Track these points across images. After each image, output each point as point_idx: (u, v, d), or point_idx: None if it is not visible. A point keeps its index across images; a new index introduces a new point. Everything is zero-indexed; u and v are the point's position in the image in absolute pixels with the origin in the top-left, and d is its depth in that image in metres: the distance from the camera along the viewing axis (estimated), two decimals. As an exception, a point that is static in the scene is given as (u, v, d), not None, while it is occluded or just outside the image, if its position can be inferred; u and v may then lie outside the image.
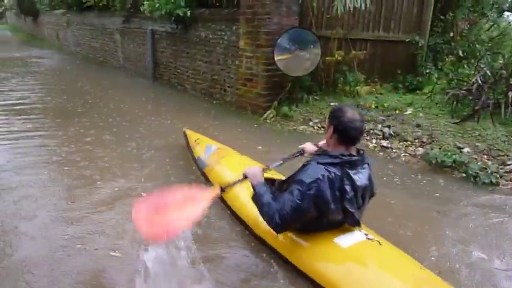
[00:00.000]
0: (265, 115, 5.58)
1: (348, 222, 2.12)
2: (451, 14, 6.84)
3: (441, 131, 4.68)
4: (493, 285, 2.25)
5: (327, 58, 5.68)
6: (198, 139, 3.74)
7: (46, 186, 3.36)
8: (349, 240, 2.03)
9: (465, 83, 5.30)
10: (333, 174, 2.01)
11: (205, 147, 3.52)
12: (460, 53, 6.52)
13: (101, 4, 10.51)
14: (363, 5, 5.24)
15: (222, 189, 2.32)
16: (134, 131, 4.99)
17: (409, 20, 6.67)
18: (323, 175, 2.00)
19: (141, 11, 7.85)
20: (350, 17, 5.88)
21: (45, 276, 2.23)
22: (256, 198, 2.20)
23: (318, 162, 2.07)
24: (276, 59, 5.29)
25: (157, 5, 7.02)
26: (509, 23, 7.54)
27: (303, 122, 5.36)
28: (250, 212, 2.46)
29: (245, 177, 2.32)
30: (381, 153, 4.45)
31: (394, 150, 4.47)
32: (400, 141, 4.63)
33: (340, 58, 5.64)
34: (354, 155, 2.10)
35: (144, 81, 8.91)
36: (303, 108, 5.62)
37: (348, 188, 2.03)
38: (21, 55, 13.34)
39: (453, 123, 4.82)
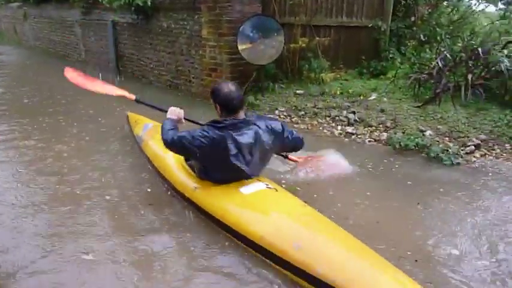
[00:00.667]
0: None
1: (242, 176, 2.57)
2: (412, -2, 6.91)
3: (404, 115, 4.74)
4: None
5: (291, 45, 5.64)
6: (137, 119, 4.08)
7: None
8: (251, 189, 2.49)
9: (427, 67, 5.38)
10: (220, 135, 2.47)
11: (143, 125, 3.88)
12: (422, 37, 6.59)
13: (58, -5, 10.08)
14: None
15: (137, 100, 3.41)
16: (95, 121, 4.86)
17: (372, 4, 6.69)
18: (209, 135, 2.48)
19: (100, 2, 7.57)
20: (313, 3, 5.85)
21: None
22: (162, 126, 2.75)
23: (209, 125, 2.56)
24: (239, 47, 5.20)
25: (116, -5, 6.78)
26: (469, 6, 7.67)
27: (270, 111, 5.31)
28: (167, 167, 3.05)
29: (166, 111, 2.95)
30: (346, 140, 4.46)
31: (359, 136, 4.49)
32: (365, 127, 4.66)
33: (304, 45, 5.61)
34: (236, 120, 2.52)
35: (107, 75, 8.60)
36: (269, 97, 5.57)
37: (231, 146, 2.48)
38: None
39: (415, 107, 4.88)
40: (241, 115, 2.58)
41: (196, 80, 6.32)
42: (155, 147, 3.34)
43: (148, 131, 3.71)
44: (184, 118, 2.96)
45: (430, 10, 7.08)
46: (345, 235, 2.13)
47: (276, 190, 2.54)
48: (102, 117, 5.14)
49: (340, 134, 4.61)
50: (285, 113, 5.19)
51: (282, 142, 2.76)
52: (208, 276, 2.13)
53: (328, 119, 4.95)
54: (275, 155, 3.07)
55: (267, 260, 2.12)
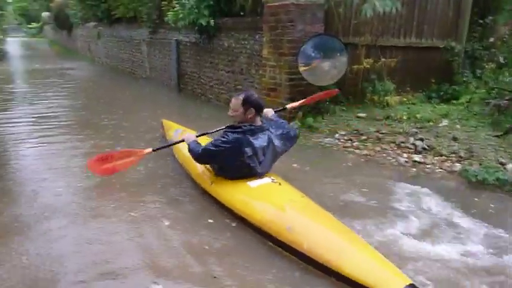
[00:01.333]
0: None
1: (254, 173, 2.99)
2: (490, 18, 6.38)
3: (481, 144, 4.26)
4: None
5: (355, 66, 5.37)
6: (170, 126, 4.60)
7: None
8: (258, 183, 2.94)
9: (507, 92, 4.85)
10: (238, 138, 2.90)
11: (174, 130, 4.42)
12: (501, 59, 6.03)
13: (128, 16, 10.62)
14: (394, 9, 4.93)
15: (154, 150, 3.57)
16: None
17: (444, 24, 6.26)
18: (230, 137, 2.92)
19: (166, 22, 7.82)
20: (379, 23, 5.56)
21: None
22: (189, 148, 3.18)
23: (227, 131, 2.99)
24: (299, 68, 5.04)
25: (181, 15, 6.95)
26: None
27: (329, 134, 5.05)
28: (194, 169, 3.49)
29: (182, 140, 3.41)
30: (413, 169, 4.07)
31: (428, 166, 4.08)
32: (434, 156, 4.24)
33: (368, 66, 5.32)
34: (253, 126, 2.97)
35: (169, 92, 8.86)
36: (329, 120, 5.32)
37: (247, 149, 2.91)
38: (57, 67, 13.77)
39: (495, 136, 4.39)
40: (258, 122, 3.05)
41: (255, 99, 6.22)
42: (183, 149, 3.61)
43: (179, 135, 4.06)
44: (197, 136, 3.42)
45: (510, 31, 6.49)
46: (330, 219, 2.54)
47: (280, 184, 2.96)
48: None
49: (406, 162, 4.22)
50: (345, 137, 4.90)
51: (289, 140, 3.23)
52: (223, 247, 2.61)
53: (393, 145, 4.59)
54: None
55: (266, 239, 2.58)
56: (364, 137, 4.82)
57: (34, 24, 34.57)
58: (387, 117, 5.12)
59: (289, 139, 3.20)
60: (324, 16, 5.36)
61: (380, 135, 4.79)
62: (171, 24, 7.45)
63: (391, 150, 4.51)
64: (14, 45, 23.68)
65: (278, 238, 2.47)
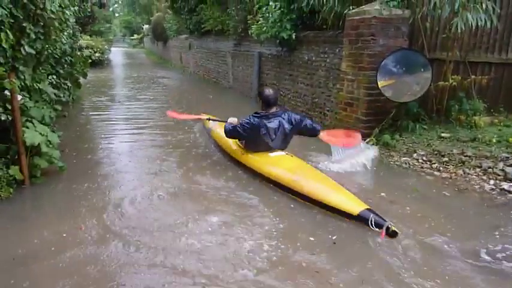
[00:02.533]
0: (364, 142, 5.15)
1: (269, 147, 4.17)
2: None
3: None
4: None
5: (440, 83, 5.05)
6: (208, 118, 5.30)
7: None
8: (275, 154, 4.14)
9: None
10: (257, 122, 4.10)
11: (210, 122, 5.35)
12: None
13: (216, 29, 11.19)
14: (488, 23, 4.56)
15: (208, 119, 5.15)
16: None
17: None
18: (251, 122, 4.13)
19: (250, 35, 8.10)
20: (471, 37, 5.18)
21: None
22: (225, 126, 4.42)
23: (251, 116, 4.20)
24: (378, 83, 4.88)
25: (264, 28, 7.15)
26: None
27: (406, 154, 4.79)
28: (227, 144, 4.74)
29: (226, 121, 4.53)
30: (500, 197, 3.71)
31: (518, 195, 3.69)
32: (527, 185, 3.82)
33: (455, 83, 4.96)
34: (266, 113, 4.16)
35: (249, 102, 9.11)
36: (408, 138, 5.05)
37: (262, 129, 4.08)
38: (152, 75, 14.95)
39: None
40: (273, 109, 4.21)
41: (331, 113, 6.16)
42: (220, 132, 4.88)
43: (214, 125, 5.29)
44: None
45: None
46: (322, 175, 3.78)
47: (292, 156, 4.14)
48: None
49: (492, 190, 3.85)
50: (424, 158, 4.61)
51: (300, 128, 4.29)
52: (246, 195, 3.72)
53: (478, 170, 4.21)
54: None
55: (278, 189, 3.73)
56: (445, 159, 4.50)
57: (135, 36, 37.92)
58: (474, 139, 4.72)
59: (303, 126, 4.28)
60: (409, 30, 5.15)
61: (464, 158, 4.43)
62: (255, 37, 7.69)
63: (476, 176, 4.15)
64: (117, 54, 26.16)
65: (288, 186, 3.63)
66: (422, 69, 4.84)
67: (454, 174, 4.24)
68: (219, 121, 5.01)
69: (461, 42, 5.10)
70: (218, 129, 5.07)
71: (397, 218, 3.17)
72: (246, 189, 3.83)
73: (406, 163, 4.58)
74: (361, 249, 2.82)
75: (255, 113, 4.19)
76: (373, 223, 2.93)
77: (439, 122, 5.22)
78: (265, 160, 4.06)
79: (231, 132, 4.32)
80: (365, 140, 5.16)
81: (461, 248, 2.80)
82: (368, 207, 3.06)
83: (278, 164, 3.96)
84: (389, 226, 2.87)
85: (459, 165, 4.35)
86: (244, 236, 2.92)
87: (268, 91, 4.26)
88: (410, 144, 4.92)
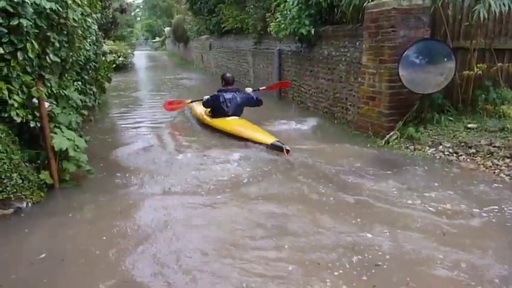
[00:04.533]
0: (388, 136, 5.08)
1: (226, 112, 6.08)
2: None
3: None
4: None
5: (465, 72, 4.90)
6: (191, 101, 7.20)
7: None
8: (230, 118, 6.01)
9: None
10: (218, 94, 6.18)
11: (192, 103, 7.18)
12: None
13: (236, 28, 11.23)
14: (513, 8, 4.40)
15: (191, 101, 7.12)
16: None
17: None
18: (214, 94, 6.24)
19: (269, 33, 8.09)
20: (496, 24, 5.01)
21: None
22: (203, 101, 6.47)
23: (216, 92, 6.31)
24: (400, 74, 4.80)
25: (282, 25, 7.12)
26: None
27: (432, 145, 4.69)
28: (200, 115, 6.71)
29: (201, 99, 6.53)
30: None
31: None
32: (560, 175, 3.67)
33: (481, 72, 4.81)
34: (225, 88, 6.30)
35: (270, 99, 9.10)
36: (433, 130, 4.93)
37: (221, 98, 6.10)
38: (174, 76, 15.19)
39: None
40: (230, 87, 6.34)
41: (353, 108, 6.09)
42: (196, 109, 6.98)
43: (194, 105, 7.14)
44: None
45: None
46: (255, 126, 5.67)
47: (241, 119, 6.06)
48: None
49: (521, 180, 3.73)
50: (450, 150, 4.50)
51: (248, 100, 6.34)
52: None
53: (508, 160, 4.09)
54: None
55: (232, 138, 5.49)
56: (472, 150, 4.38)
57: (157, 39, 38.50)
58: (502, 129, 4.57)
59: (249, 100, 6.36)
60: (430, 20, 5.03)
61: (492, 148, 4.30)
62: (274, 35, 7.68)
63: (505, 167, 4.02)
64: (140, 58, 26.63)
65: (236, 134, 5.49)
66: (445, 59, 4.73)
67: (482, 165, 4.13)
68: (197, 100, 6.91)
69: (486, 29, 4.94)
70: (196, 108, 7.02)
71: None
72: (211, 138, 5.82)
73: (432, 155, 4.49)
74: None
75: (219, 89, 6.34)
76: (277, 146, 4.80)
77: (465, 113, 5.08)
78: (223, 121, 5.98)
79: (204, 104, 6.44)
80: (388, 133, 5.09)
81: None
82: (277, 139, 4.98)
83: (231, 123, 5.87)
84: (285, 147, 4.72)
85: (487, 156, 4.23)
86: (215, 157, 4.77)
87: (228, 75, 6.67)
88: (436, 137, 4.82)
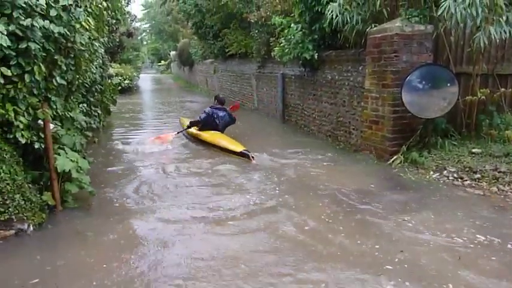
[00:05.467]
0: (391, 160, 5.06)
1: (217, 129, 7.00)
2: None
3: None
4: None
5: (468, 97, 4.92)
6: (184, 120, 8.24)
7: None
8: (215, 132, 6.93)
9: None
10: (212, 110, 7.13)
11: (187, 121, 7.72)
12: None
13: (240, 52, 11.39)
14: (514, 35, 4.45)
15: (178, 132, 7.60)
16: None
17: None
18: (208, 111, 7.14)
19: (272, 57, 8.20)
20: (498, 49, 5.05)
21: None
22: (190, 122, 7.43)
23: (208, 108, 7.29)
24: (403, 99, 4.82)
25: (286, 50, 7.22)
26: None
27: (436, 170, 4.66)
28: (192, 132, 7.35)
29: (188, 126, 7.41)
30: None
31: (557, 212, 3.51)
32: None
33: (484, 97, 4.82)
34: (218, 107, 7.26)
35: (274, 123, 9.16)
36: (437, 155, 4.91)
37: (215, 115, 7.06)
38: (179, 99, 15.33)
39: None
40: (222, 106, 7.29)
41: (356, 131, 6.09)
42: (189, 130, 7.46)
43: (185, 123, 7.78)
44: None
45: None
46: (230, 139, 6.50)
47: (221, 133, 6.93)
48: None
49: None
50: (455, 175, 4.47)
51: (231, 120, 7.22)
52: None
53: (513, 186, 4.05)
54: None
55: (215, 148, 6.39)
56: (477, 176, 4.35)
57: (163, 62, 39.09)
58: (507, 154, 4.54)
59: (232, 119, 7.29)
60: (433, 45, 5.09)
61: (498, 174, 4.27)
62: (277, 59, 7.78)
63: (511, 192, 3.98)
64: (145, 80, 26.98)
65: (217, 145, 6.34)
66: (448, 84, 4.76)
67: (487, 191, 4.08)
68: (185, 129, 7.56)
69: (488, 55, 4.99)
70: (190, 129, 7.51)
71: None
72: (197, 147, 6.88)
73: (437, 180, 4.46)
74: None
75: (211, 106, 7.33)
76: (245, 154, 5.68)
77: (469, 138, 5.08)
78: (209, 133, 6.85)
79: (192, 123, 7.27)
80: (392, 157, 5.08)
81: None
82: (245, 148, 5.86)
83: (214, 136, 6.71)
84: (251, 155, 5.63)
85: (493, 181, 4.19)
86: (201, 161, 5.75)
87: (221, 96, 8.08)
88: (440, 161, 4.79)
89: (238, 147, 5.91)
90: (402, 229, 3.34)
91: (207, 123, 6.96)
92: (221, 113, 7.08)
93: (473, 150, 4.80)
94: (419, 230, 3.31)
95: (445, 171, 4.58)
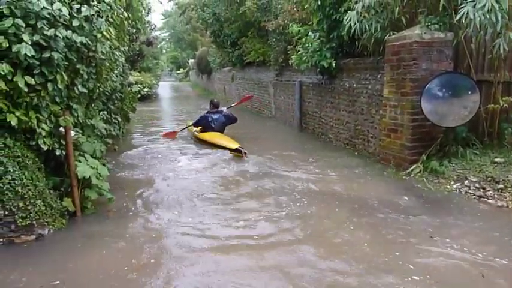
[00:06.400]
0: (410, 169, 4.97)
1: (213, 130, 7.89)
2: None
3: None
4: None
5: (490, 106, 4.81)
6: (190, 125, 8.80)
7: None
8: (213, 132, 7.81)
9: None
10: (207, 115, 8.16)
11: (192, 128, 8.55)
12: None
13: (258, 60, 11.45)
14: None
15: (182, 130, 8.86)
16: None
17: None
18: (204, 115, 8.26)
19: (290, 65, 8.21)
20: (521, 57, 4.93)
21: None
22: (193, 123, 8.41)
23: (205, 113, 8.42)
24: (423, 108, 4.75)
25: (304, 58, 7.21)
26: None
27: (457, 180, 4.56)
28: (194, 133, 8.32)
29: (191, 125, 8.55)
30: None
31: None
32: None
33: (506, 105, 4.71)
34: (213, 111, 8.29)
35: (291, 131, 9.15)
36: (458, 164, 4.80)
37: (209, 118, 8.02)
38: (197, 107, 15.37)
39: None
40: (216, 109, 8.30)
41: (375, 140, 6.02)
42: (192, 129, 8.39)
43: (191, 127, 8.59)
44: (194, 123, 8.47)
45: None
46: (228, 137, 7.44)
47: (224, 135, 7.75)
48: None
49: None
50: (476, 185, 4.36)
51: (229, 120, 8.18)
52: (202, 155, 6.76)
53: (538, 197, 3.93)
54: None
55: (216, 147, 7.03)
56: (500, 186, 4.23)
57: (182, 70, 39.58)
58: (530, 164, 4.42)
59: (229, 119, 8.16)
60: (453, 53, 5.01)
61: (521, 184, 4.15)
62: (295, 67, 7.78)
63: (536, 203, 3.86)
64: (165, 88, 27.32)
65: (217, 144, 7.09)
66: (469, 92, 4.67)
67: (511, 202, 3.97)
68: (189, 126, 8.68)
69: (511, 62, 4.87)
70: (192, 128, 8.46)
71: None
72: (200, 146, 7.60)
73: (458, 189, 4.36)
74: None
75: (207, 111, 8.35)
76: (239, 150, 6.38)
77: (491, 147, 4.95)
78: (208, 134, 7.71)
79: (196, 122, 8.22)
80: (411, 166, 4.99)
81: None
82: (240, 145, 6.58)
83: (213, 135, 7.55)
84: (244, 151, 6.31)
85: (516, 192, 4.07)
86: (203, 159, 6.50)
87: (215, 100, 8.86)
88: (461, 171, 4.68)
89: (234, 145, 6.67)
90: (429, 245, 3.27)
91: (205, 126, 7.94)
92: (215, 116, 8.00)
93: (496, 159, 4.68)
94: (445, 245, 3.24)
95: (467, 181, 4.47)
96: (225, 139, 7.26)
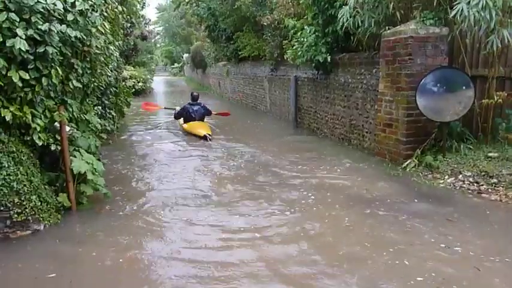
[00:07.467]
0: (405, 164, 5.01)
1: (194, 120, 8.59)
2: None
3: None
4: None
5: (484, 101, 4.84)
6: (164, 107, 11.04)
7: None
8: (196, 122, 8.51)
9: None
10: (187, 106, 8.82)
11: (180, 121, 9.15)
12: None
13: (253, 55, 11.42)
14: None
15: (164, 107, 11.14)
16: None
17: None
18: (185, 106, 8.94)
19: (286, 60, 8.20)
20: (516, 52, 4.96)
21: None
22: (174, 113, 9.29)
23: (186, 104, 9.05)
24: (418, 103, 4.77)
25: (299, 53, 7.20)
26: None
27: (451, 174, 4.60)
28: (180, 124, 9.10)
29: (174, 108, 9.58)
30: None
31: None
32: None
33: (501, 100, 4.74)
34: (193, 103, 8.89)
35: (286, 125, 9.15)
36: (452, 159, 4.84)
37: (190, 110, 8.70)
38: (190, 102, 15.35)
39: None
40: (196, 102, 8.93)
41: (369, 135, 6.05)
42: (179, 121, 9.02)
43: (179, 121, 9.08)
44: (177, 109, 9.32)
45: None
46: (206, 126, 8.49)
47: (205, 123, 8.69)
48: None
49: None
50: (470, 179, 4.40)
51: (206, 112, 8.93)
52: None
53: (531, 191, 3.97)
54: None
55: (197, 137, 7.83)
56: (494, 180, 4.27)
57: (176, 65, 39.39)
58: (524, 159, 4.46)
59: (206, 110, 8.90)
60: (448, 48, 5.04)
61: (515, 178, 4.19)
62: (290, 62, 7.77)
63: (529, 197, 3.90)
64: (159, 83, 27.17)
65: (198, 135, 7.84)
66: (464, 87, 4.70)
67: (504, 196, 4.01)
68: (170, 108, 10.27)
69: (505, 57, 4.90)
70: (179, 120, 9.04)
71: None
72: (183, 135, 8.35)
73: (452, 184, 4.40)
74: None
75: (188, 103, 8.89)
76: (205, 136, 7.53)
77: (485, 142, 4.99)
78: (191, 125, 8.35)
79: (176, 115, 8.97)
80: (406, 161, 5.03)
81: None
82: (209, 132, 7.76)
83: (194, 125, 8.26)
84: (209, 137, 7.50)
85: (510, 186, 4.11)
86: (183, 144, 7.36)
87: (195, 93, 9.21)
88: (455, 165, 4.72)
89: (205, 132, 7.72)
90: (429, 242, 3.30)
91: (187, 117, 8.65)
92: (195, 107, 8.73)
93: (490, 154, 4.71)
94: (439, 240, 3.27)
95: (461, 176, 4.51)
96: (204, 128, 8.08)
